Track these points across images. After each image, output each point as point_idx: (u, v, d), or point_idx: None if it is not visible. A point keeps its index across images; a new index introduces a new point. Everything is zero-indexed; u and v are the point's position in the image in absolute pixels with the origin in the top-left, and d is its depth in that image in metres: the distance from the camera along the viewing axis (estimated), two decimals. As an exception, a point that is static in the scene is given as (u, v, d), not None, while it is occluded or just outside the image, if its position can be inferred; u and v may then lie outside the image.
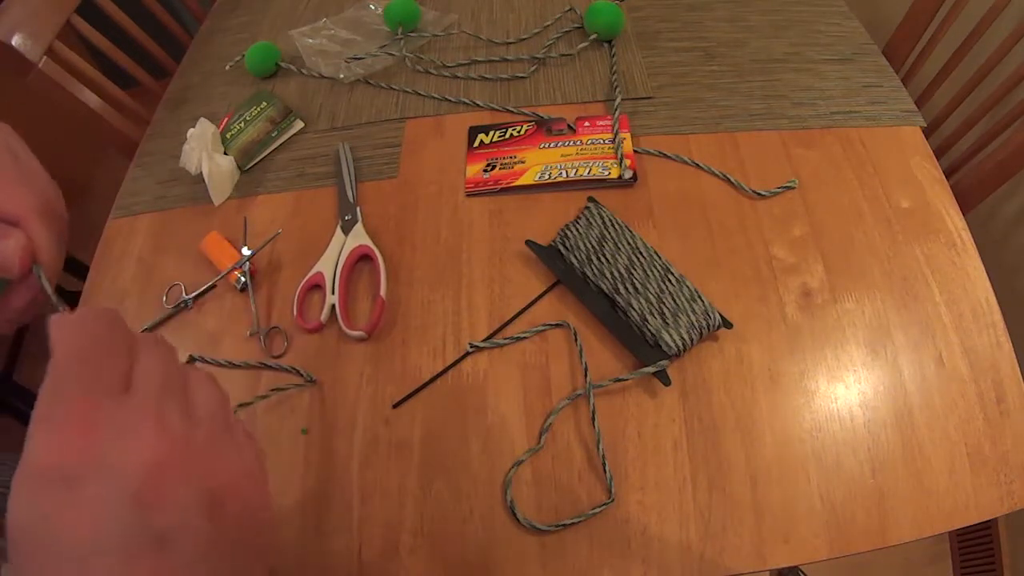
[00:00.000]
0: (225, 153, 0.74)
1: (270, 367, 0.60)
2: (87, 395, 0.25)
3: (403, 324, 0.61)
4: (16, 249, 0.32)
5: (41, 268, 0.34)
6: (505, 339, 0.59)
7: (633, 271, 0.60)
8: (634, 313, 0.57)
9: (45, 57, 0.81)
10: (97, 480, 0.23)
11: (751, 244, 0.64)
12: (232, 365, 0.60)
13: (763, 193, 0.67)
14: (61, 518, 0.22)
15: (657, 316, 0.57)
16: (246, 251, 0.66)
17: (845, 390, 0.56)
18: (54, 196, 0.35)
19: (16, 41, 0.79)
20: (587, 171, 0.69)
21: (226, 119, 0.77)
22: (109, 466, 0.23)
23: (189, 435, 0.26)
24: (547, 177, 0.69)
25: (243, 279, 0.64)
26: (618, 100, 0.75)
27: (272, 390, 0.58)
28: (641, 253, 0.61)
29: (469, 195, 0.69)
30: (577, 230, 0.63)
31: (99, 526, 0.22)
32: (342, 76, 0.81)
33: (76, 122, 0.87)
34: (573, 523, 0.50)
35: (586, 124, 0.73)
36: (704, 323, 0.56)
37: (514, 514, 0.51)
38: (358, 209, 0.68)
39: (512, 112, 0.76)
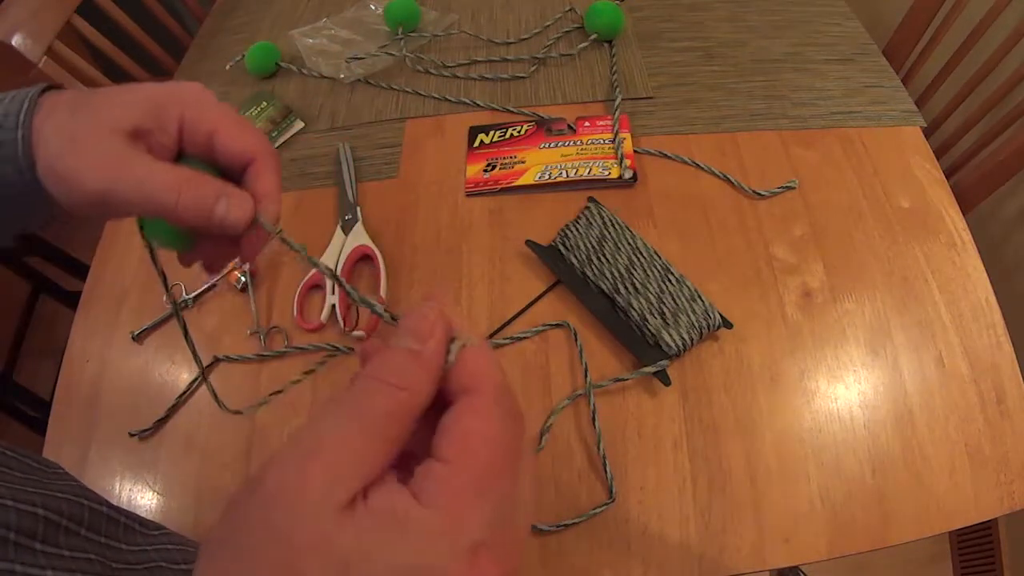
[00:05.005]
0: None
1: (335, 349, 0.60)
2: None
3: (403, 324, 0.61)
4: (243, 210, 0.32)
5: (269, 223, 0.34)
6: (505, 339, 0.59)
7: (633, 271, 0.60)
8: (634, 313, 0.57)
9: (45, 57, 0.81)
10: None
11: (751, 244, 0.64)
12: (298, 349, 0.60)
13: (763, 193, 0.67)
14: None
15: (657, 316, 0.57)
16: (246, 251, 0.66)
17: (845, 390, 0.56)
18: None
19: (16, 41, 0.79)
20: (587, 171, 0.69)
21: (226, 119, 0.77)
22: None
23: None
24: (547, 177, 0.69)
25: (243, 279, 0.64)
26: (618, 100, 0.75)
27: (305, 373, 0.58)
28: (641, 253, 0.61)
29: (469, 195, 0.69)
30: (577, 230, 0.63)
31: None
32: (342, 76, 0.81)
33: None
34: (574, 523, 0.50)
35: (586, 124, 0.73)
36: (704, 323, 0.56)
37: (514, 514, 0.51)
38: (358, 209, 0.68)
39: (512, 112, 0.76)
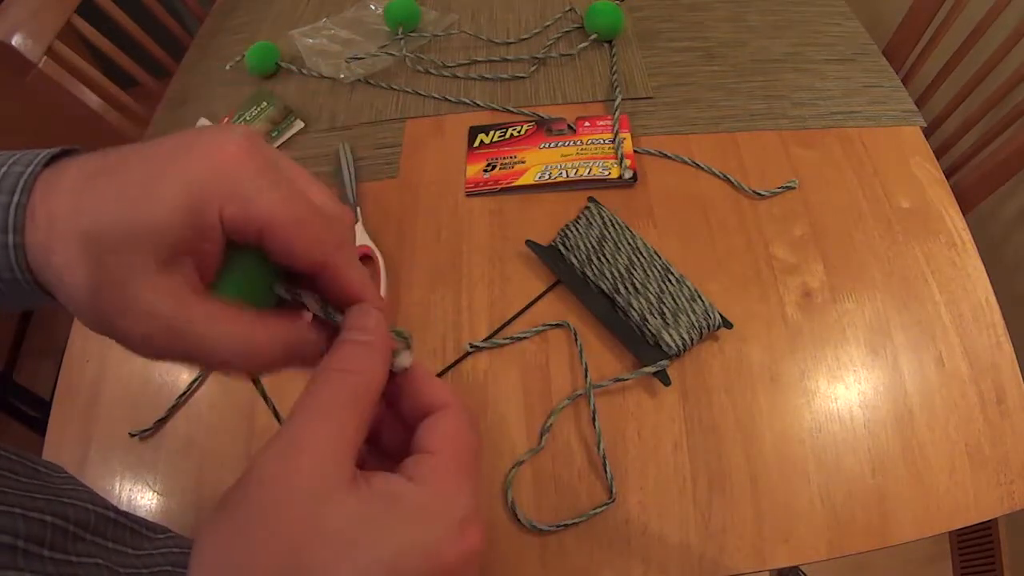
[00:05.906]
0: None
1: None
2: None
3: (403, 324, 0.61)
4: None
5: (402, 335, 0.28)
6: (505, 339, 0.59)
7: (633, 271, 0.60)
8: (634, 313, 0.57)
9: (45, 57, 0.81)
10: None
11: (751, 244, 0.64)
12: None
13: (763, 193, 0.67)
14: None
15: (657, 316, 0.57)
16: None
17: (845, 390, 0.56)
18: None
19: (16, 41, 0.79)
20: (587, 171, 0.69)
21: (226, 119, 0.77)
22: None
23: None
24: (547, 177, 0.69)
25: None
26: (618, 100, 0.75)
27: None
28: (641, 253, 0.61)
29: (469, 195, 0.69)
30: (577, 230, 0.63)
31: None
32: (342, 76, 0.81)
33: (76, 122, 0.87)
34: (574, 523, 0.50)
35: (586, 124, 0.73)
36: (704, 323, 0.56)
37: (515, 514, 0.51)
38: (358, 209, 0.68)
39: (512, 112, 0.76)
